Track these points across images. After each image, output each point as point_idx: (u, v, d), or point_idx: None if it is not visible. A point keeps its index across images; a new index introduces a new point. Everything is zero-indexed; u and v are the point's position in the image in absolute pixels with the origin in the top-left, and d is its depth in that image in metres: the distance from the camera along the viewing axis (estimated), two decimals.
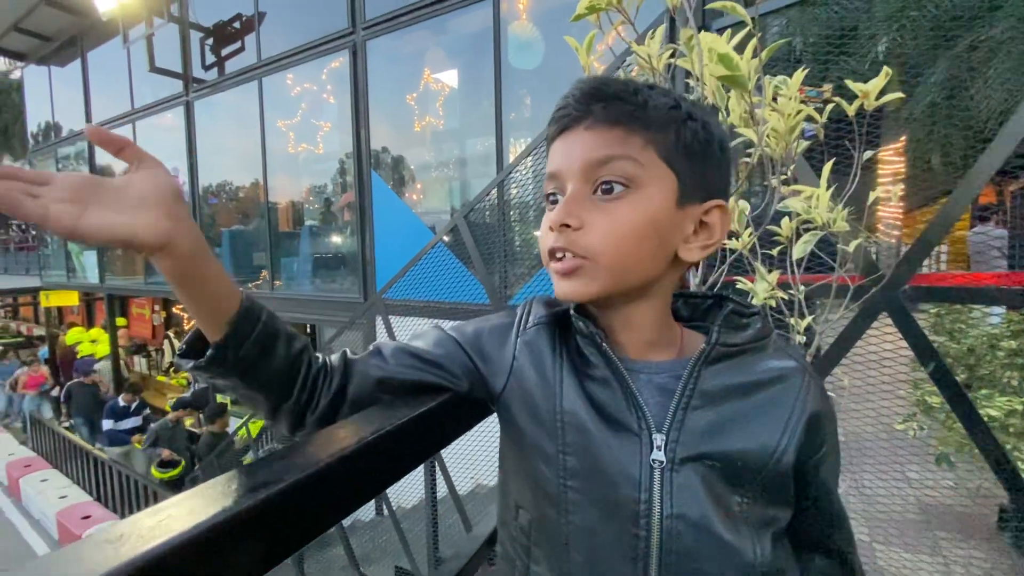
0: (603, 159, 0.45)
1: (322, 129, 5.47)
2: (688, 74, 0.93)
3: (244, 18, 5.72)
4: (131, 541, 0.27)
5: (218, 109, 6.29)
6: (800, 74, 0.87)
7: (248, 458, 4.89)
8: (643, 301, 0.50)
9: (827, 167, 0.77)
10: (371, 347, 0.56)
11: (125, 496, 5.72)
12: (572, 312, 0.52)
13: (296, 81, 5.40)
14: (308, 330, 7.34)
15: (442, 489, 2.92)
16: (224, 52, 5.98)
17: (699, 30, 0.82)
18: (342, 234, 5.49)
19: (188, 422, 6.67)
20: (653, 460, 0.46)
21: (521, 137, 4.20)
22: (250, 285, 6.07)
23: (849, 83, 0.86)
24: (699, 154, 0.47)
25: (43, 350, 10.61)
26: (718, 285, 1.02)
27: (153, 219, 0.39)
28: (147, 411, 6.41)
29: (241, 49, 5.80)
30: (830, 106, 0.87)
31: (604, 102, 0.46)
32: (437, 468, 2.83)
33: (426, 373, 0.53)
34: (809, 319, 0.94)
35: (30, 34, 8.29)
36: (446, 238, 3.18)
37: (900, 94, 0.85)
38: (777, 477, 0.48)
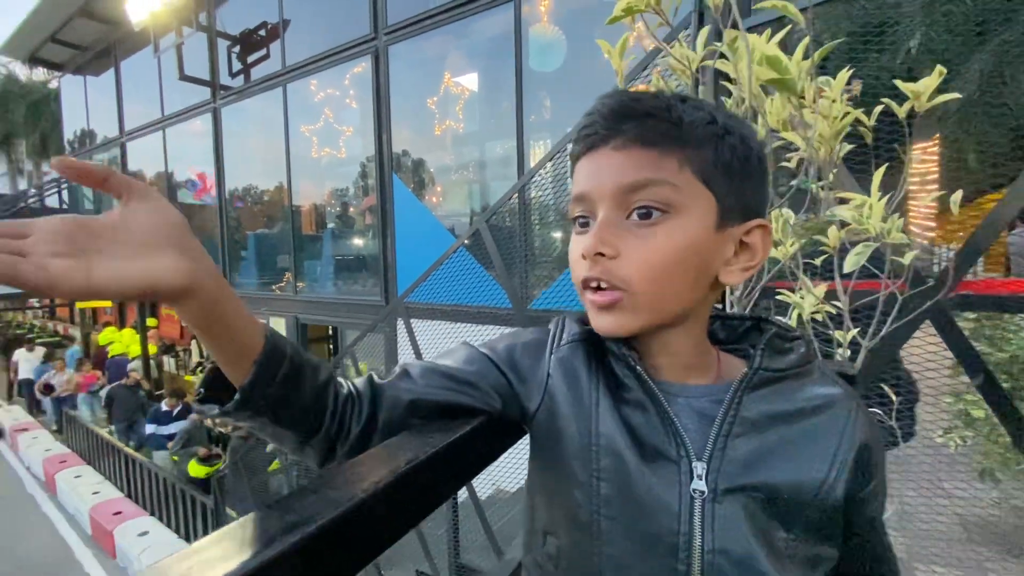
0: (638, 183, 0.42)
1: (344, 133, 5.54)
2: (723, 76, 0.89)
3: (269, 26, 5.83)
4: None
5: (244, 115, 6.42)
6: (844, 75, 0.83)
7: (276, 463, 4.96)
8: (682, 326, 0.48)
9: (879, 173, 0.72)
10: (398, 368, 0.53)
11: (154, 494, 5.86)
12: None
13: (319, 87, 5.47)
14: (330, 332, 7.43)
15: (462, 494, 2.91)
16: (250, 59, 6.10)
17: (733, 29, 0.78)
18: (364, 237, 5.55)
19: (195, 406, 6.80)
20: (694, 490, 0.44)
21: (541, 139, 4.18)
22: (274, 287, 6.18)
23: (899, 84, 0.82)
24: (738, 171, 0.44)
25: (72, 349, 10.97)
26: (752, 299, 0.98)
27: (171, 261, 0.35)
28: (192, 416, 6.50)
29: (266, 56, 5.91)
30: (879, 108, 0.83)
31: (635, 120, 0.43)
32: None
33: (459, 394, 0.50)
34: (854, 331, 0.89)
35: (67, 45, 8.60)
36: (467, 242, 3.18)
37: (955, 94, 0.80)
38: (825, 512, 0.45)
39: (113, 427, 6.84)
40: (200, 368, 9.31)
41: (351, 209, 5.77)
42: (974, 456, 2.15)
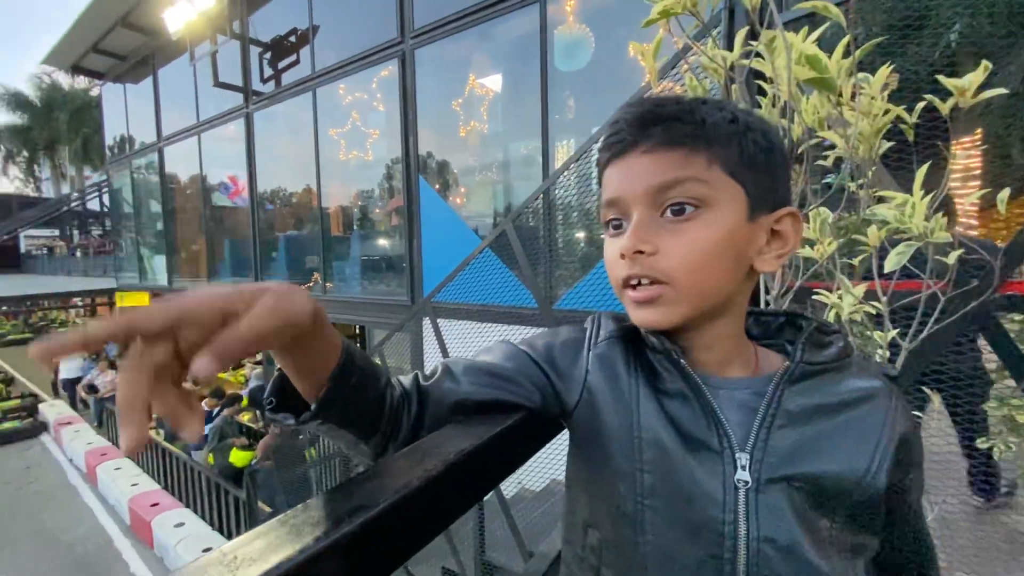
0: (670, 182, 0.44)
1: (371, 136, 5.63)
2: (758, 75, 0.89)
3: (299, 32, 5.97)
4: (244, 565, 0.27)
5: (275, 119, 6.59)
6: (885, 70, 0.81)
7: (311, 451, 5.07)
8: (720, 318, 0.49)
9: (921, 171, 0.71)
10: (439, 367, 0.54)
11: (189, 486, 6.07)
12: (643, 329, 0.51)
13: (348, 91, 5.58)
14: (357, 331, 7.56)
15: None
16: (281, 65, 6.26)
17: (767, 27, 0.78)
18: (390, 238, 5.63)
19: (245, 417, 7.00)
20: (737, 480, 0.45)
21: (566, 139, 4.18)
22: (303, 287, 6.32)
23: (942, 79, 0.80)
24: (763, 164, 0.46)
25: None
26: (789, 297, 0.97)
27: (294, 302, 0.34)
28: (224, 413, 6.68)
29: (296, 62, 6.06)
30: (921, 104, 0.81)
31: (662, 124, 0.45)
32: None
33: (501, 390, 0.52)
34: (893, 332, 0.87)
35: (107, 54, 8.97)
36: (493, 242, 3.20)
37: (1002, 89, 0.78)
38: (867, 502, 0.45)
39: (161, 430, 7.08)
40: (232, 367, 9.61)
41: (378, 210, 5.86)
42: (1019, 463, 2.06)
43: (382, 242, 5.79)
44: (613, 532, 0.49)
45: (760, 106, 0.88)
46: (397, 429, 0.49)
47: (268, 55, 6.41)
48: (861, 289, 0.80)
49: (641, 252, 0.45)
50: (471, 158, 4.95)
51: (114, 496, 6.44)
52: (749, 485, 0.45)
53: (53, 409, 9.56)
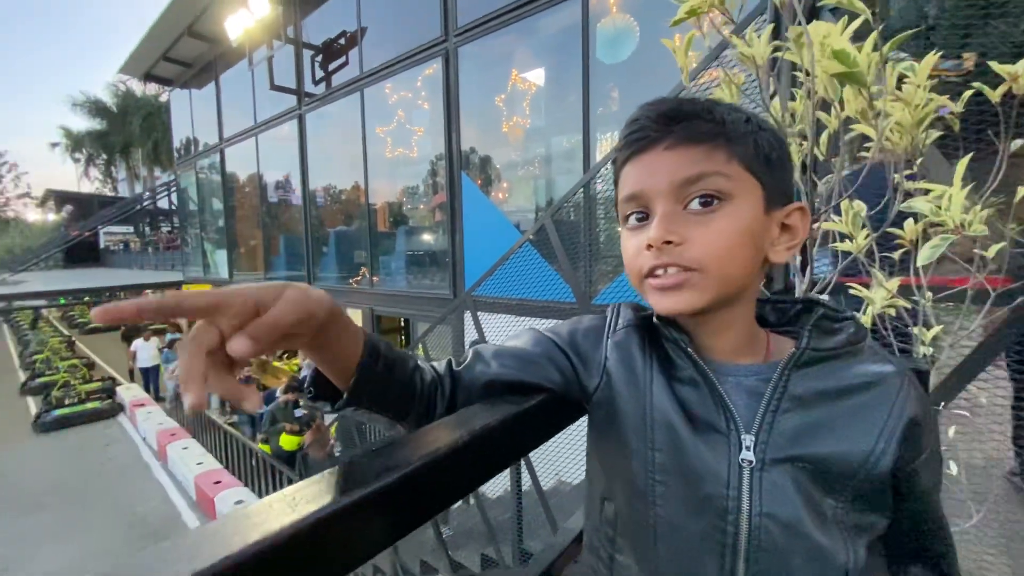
0: (695, 176, 0.47)
1: (416, 134, 5.78)
2: (795, 67, 0.88)
3: (348, 34, 6.19)
4: (302, 503, 0.33)
5: (325, 119, 6.87)
6: (932, 58, 0.79)
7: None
8: (734, 306, 0.51)
9: (962, 164, 0.68)
10: (470, 352, 0.59)
11: (247, 467, 6.48)
12: (656, 319, 0.54)
13: (394, 90, 5.75)
14: (402, 323, 7.78)
15: (526, 483, 2.99)
16: (331, 67, 6.51)
17: (808, 20, 0.77)
18: (434, 233, 5.77)
19: (302, 402, 7.35)
20: (742, 460, 0.48)
21: (608, 132, 4.15)
22: (351, 281, 6.58)
23: (994, 65, 0.77)
24: (776, 161, 0.49)
25: (174, 336, 12.31)
26: (829, 288, 0.95)
27: (315, 295, 0.41)
28: (277, 399, 7.01)
29: (345, 63, 6.28)
30: (968, 92, 0.78)
31: (684, 122, 0.48)
32: (522, 463, 2.90)
33: (526, 373, 0.56)
34: (937, 329, 0.85)
35: (176, 62, 9.60)
36: (532, 237, 3.24)
37: None
38: (872, 482, 0.47)
39: (236, 418, 7.55)
40: (285, 355, 10.16)
41: (422, 206, 6.02)
42: None
43: (426, 237, 5.94)
44: (627, 505, 0.53)
45: (795, 98, 0.87)
46: (431, 409, 0.54)
47: (319, 58, 6.68)
48: (895, 283, 0.78)
49: (669, 242, 0.47)
50: (513, 153, 5.00)
51: (182, 473, 6.95)
52: (753, 465, 0.47)
53: (129, 392, 10.39)
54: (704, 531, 0.48)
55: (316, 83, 6.81)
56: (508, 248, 3.32)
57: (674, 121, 0.48)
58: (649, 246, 0.48)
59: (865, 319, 0.85)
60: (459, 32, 4.76)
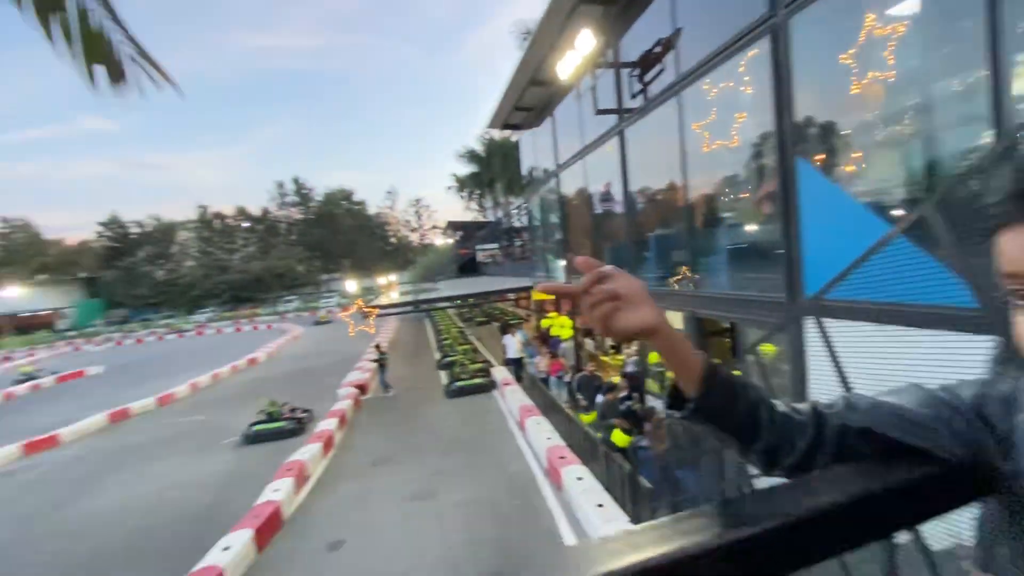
0: None
1: (736, 121, 5.38)
2: None
3: (663, 40, 6.28)
4: (643, 547, 0.38)
5: (643, 130, 7.16)
6: None
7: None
8: None
9: None
10: (839, 399, 0.58)
11: (584, 448, 7.36)
12: None
13: (712, 84, 5.52)
14: (727, 327, 7.36)
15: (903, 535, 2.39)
16: (648, 77, 6.74)
17: None
18: (761, 228, 5.25)
19: (633, 404, 7.88)
20: None
21: None
22: (671, 283, 6.64)
23: None
24: None
25: (521, 331, 15.16)
26: None
27: (651, 311, 0.54)
28: (630, 403, 7.72)
29: (662, 70, 6.40)
30: None
31: None
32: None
33: (910, 435, 0.50)
34: None
35: (523, 109, 11.78)
36: (906, 225, 2.57)
37: None
38: None
39: (585, 403, 8.97)
40: (613, 349, 11.13)
41: (746, 195, 5.55)
42: None
43: (752, 232, 5.46)
44: None
45: None
46: (787, 447, 0.55)
47: (636, 71, 7.01)
48: None
49: None
50: (869, 116, 4.05)
51: (536, 444, 8.48)
52: None
53: (500, 372, 13.39)
54: None
55: (634, 96, 7.17)
56: (861, 239, 2.73)
57: None
58: None
59: None
60: (790, 1, 4.20)
